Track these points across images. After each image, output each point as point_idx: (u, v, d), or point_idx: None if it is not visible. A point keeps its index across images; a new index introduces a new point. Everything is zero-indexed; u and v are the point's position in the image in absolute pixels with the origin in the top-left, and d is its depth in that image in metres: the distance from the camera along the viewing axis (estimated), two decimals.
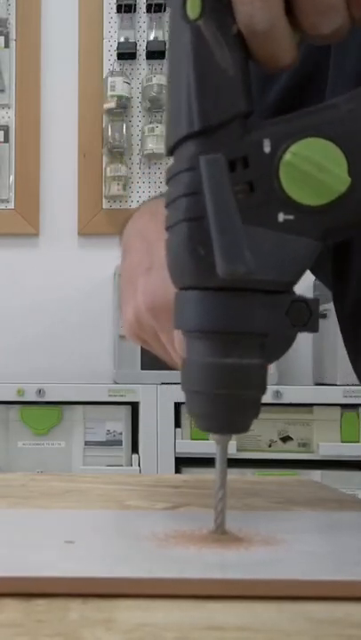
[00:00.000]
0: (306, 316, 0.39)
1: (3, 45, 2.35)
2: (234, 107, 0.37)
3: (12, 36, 2.36)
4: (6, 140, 2.33)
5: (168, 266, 0.41)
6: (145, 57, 2.38)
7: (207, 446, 1.80)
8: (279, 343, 0.40)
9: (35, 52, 2.35)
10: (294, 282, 0.39)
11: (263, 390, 0.40)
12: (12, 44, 2.36)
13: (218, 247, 0.36)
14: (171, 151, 0.40)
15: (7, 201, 2.31)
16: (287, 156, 0.37)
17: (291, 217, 0.37)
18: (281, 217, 0.37)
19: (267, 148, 0.37)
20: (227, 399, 0.39)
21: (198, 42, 0.37)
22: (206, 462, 1.77)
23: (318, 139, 0.37)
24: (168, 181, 0.41)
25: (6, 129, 2.33)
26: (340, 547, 0.40)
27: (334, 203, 0.37)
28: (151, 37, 2.38)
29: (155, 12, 2.37)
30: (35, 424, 1.89)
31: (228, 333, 0.39)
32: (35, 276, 2.29)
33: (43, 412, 1.89)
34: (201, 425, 0.42)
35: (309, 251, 0.38)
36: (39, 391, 1.86)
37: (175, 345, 0.58)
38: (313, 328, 0.39)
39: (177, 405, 1.83)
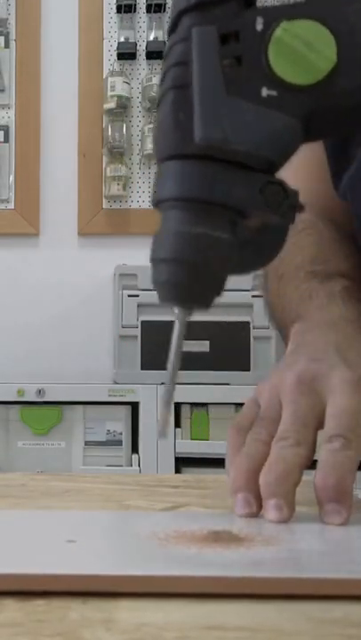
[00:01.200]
0: (281, 197, 0.38)
1: (3, 45, 2.35)
2: None
3: (12, 36, 2.36)
4: (6, 140, 2.33)
5: (154, 138, 0.42)
6: (145, 57, 2.38)
7: (207, 446, 1.80)
8: (260, 236, 0.40)
9: (35, 52, 2.35)
10: (272, 160, 0.38)
11: (228, 269, 0.40)
12: (12, 44, 2.36)
13: (198, 113, 0.37)
14: (172, 28, 0.41)
15: (7, 201, 2.31)
16: (278, 32, 0.38)
17: (274, 93, 0.38)
18: (265, 92, 0.38)
19: (259, 26, 0.38)
20: (190, 268, 0.39)
21: None
22: (206, 462, 1.77)
23: (310, 20, 0.38)
24: (165, 56, 0.42)
25: (6, 129, 2.33)
26: (340, 546, 0.40)
27: (319, 84, 0.38)
28: (151, 37, 2.38)
29: (155, 12, 2.37)
30: (35, 424, 1.89)
31: (200, 202, 0.39)
32: (35, 275, 2.29)
33: (43, 411, 1.89)
34: (163, 295, 0.42)
35: (289, 129, 0.38)
36: (39, 391, 1.86)
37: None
38: (287, 215, 0.39)
39: (177, 405, 1.83)
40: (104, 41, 2.38)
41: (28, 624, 0.29)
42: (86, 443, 1.90)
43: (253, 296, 1.92)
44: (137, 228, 2.24)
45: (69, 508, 0.55)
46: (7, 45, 2.36)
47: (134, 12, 2.38)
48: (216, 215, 0.39)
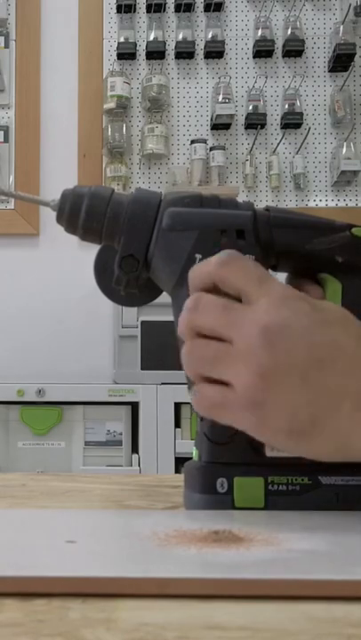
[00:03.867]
0: (133, 267, 0.52)
1: (3, 45, 2.35)
2: (281, 243, 0.52)
3: (12, 36, 2.36)
4: (6, 140, 2.33)
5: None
6: (145, 57, 2.38)
7: None
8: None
9: (35, 52, 2.35)
10: (147, 260, 0.53)
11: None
12: (12, 44, 2.36)
13: (183, 212, 0.52)
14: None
15: (7, 201, 2.31)
16: None
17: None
18: (198, 257, 0.52)
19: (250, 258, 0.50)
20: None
21: (333, 229, 0.52)
22: None
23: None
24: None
25: (6, 129, 2.33)
26: (340, 547, 0.40)
27: None
28: (151, 37, 2.38)
29: (155, 12, 2.37)
30: (35, 424, 1.89)
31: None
32: (35, 276, 2.29)
33: (43, 412, 1.89)
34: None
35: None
36: (39, 391, 1.86)
37: None
38: (129, 283, 0.53)
39: (177, 405, 1.83)
40: (104, 41, 2.38)
41: (28, 624, 0.29)
42: (86, 443, 1.90)
43: None
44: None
45: (70, 508, 0.55)
46: (7, 45, 2.36)
47: (134, 12, 2.38)
48: (122, 226, 0.53)
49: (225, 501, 0.50)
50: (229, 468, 0.50)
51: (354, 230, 0.52)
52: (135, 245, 0.52)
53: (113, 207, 0.53)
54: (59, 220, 0.55)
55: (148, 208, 0.52)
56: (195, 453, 0.53)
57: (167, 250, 0.51)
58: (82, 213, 0.53)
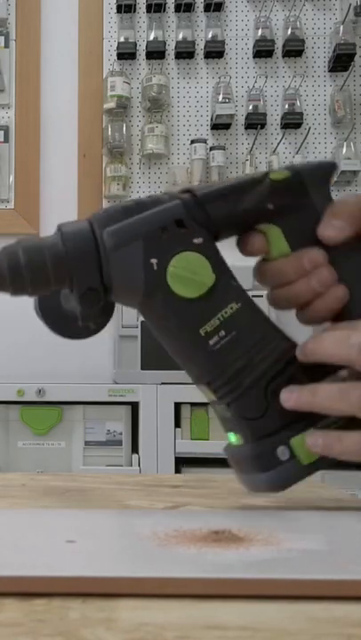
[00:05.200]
0: (92, 301, 0.52)
1: (3, 45, 2.35)
2: (217, 216, 0.53)
3: (12, 36, 2.36)
4: (6, 140, 2.33)
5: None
6: (145, 57, 2.38)
7: (207, 446, 1.80)
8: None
9: (35, 52, 2.35)
10: (111, 290, 0.52)
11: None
12: (12, 44, 2.36)
13: (118, 226, 0.51)
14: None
15: (7, 201, 2.31)
16: (184, 256, 0.51)
17: (155, 267, 0.51)
18: (152, 261, 0.51)
19: (197, 240, 0.52)
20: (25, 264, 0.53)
21: (256, 182, 0.54)
22: (206, 462, 1.77)
23: (211, 272, 0.52)
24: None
25: (6, 129, 2.33)
26: (340, 546, 0.40)
27: (165, 295, 0.51)
28: (151, 37, 2.38)
29: (155, 11, 2.37)
30: (35, 424, 1.89)
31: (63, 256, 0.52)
32: None
33: (43, 411, 1.89)
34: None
35: (134, 292, 0.52)
36: (39, 391, 1.86)
37: None
38: (90, 315, 0.53)
39: (177, 405, 1.83)
40: (104, 41, 2.38)
41: (28, 624, 0.29)
42: (86, 443, 1.89)
43: (254, 296, 1.91)
44: None
45: (70, 508, 0.55)
46: (7, 45, 2.36)
47: (134, 12, 2.38)
48: (63, 267, 0.52)
49: (292, 466, 0.51)
50: (281, 433, 0.51)
51: (271, 176, 0.54)
52: (89, 278, 0.51)
53: (50, 253, 0.51)
54: (2, 288, 0.53)
55: (83, 238, 0.51)
56: (235, 438, 0.54)
57: (122, 269, 0.51)
58: (25, 272, 0.52)
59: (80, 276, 0.51)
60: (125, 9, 2.35)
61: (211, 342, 0.52)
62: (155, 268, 0.51)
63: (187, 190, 0.54)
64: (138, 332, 1.94)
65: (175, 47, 2.37)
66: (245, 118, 2.38)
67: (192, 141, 2.35)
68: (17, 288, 0.52)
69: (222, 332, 0.52)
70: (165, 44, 2.38)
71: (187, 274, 0.51)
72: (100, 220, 0.52)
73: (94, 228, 0.52)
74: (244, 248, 0.55)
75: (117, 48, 2.35)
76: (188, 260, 0.51)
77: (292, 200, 0.54)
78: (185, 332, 0.52)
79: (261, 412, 0.52)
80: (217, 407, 0.54)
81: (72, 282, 0.52)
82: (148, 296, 0.52)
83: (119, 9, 2.36)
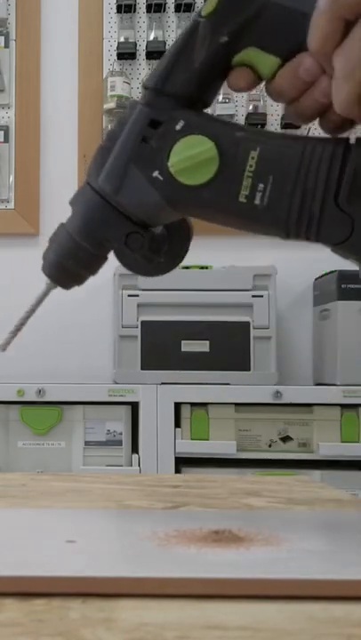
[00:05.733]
0: (139, 243, 0.52)
1: (3, 45, 2.35)
2: (185, 88, 0.50)
3: (12, 36, 2.36)
4: (6, 140, 2.33)
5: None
6: (145, 57, 2.38)
7: (207, 446, 1.80)
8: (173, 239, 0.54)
9: (35, 52, 2.35)
10: (142, 220, 0.51)
11: (88, 271, 0.57)
12: (12, 44, 2.36)
13: (106, 166, 0.51)
14: (143, 91, 0.52)
15: (7, 201, 2.31)
16: (184, 140, 0.49)
17: (160, 177, 0.50)
18: (155, 174, 0.50)
19: (178, 126, 0.49)
20: (62, 265, 0.56)
21: (191, 32, 0.49)
22: (206, 462, 1.77)
23: (210, 140, 0.49)
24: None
25: (6, 129, 2.33)
26: (340, 546, 0.40)
27: (189, 187, 0.49)
28: (151, 37, 2.38)
29: (155, 11, 2.37)
30: (35, 424, 1.89)
31: (84, 228, 0.53)
32: (35, 275, 2.29)
33: (43, 411, 1.89)
34: (44, 267, 0.58)
35: (158, 206, 0.50)
36: (39, 391, 1.86)
37: None
38: (147, 257, 0.53)
39: (177, 405, 1.83)
40: (104, 41, 2.38)
41: (28, 624, 0.29)
42: (86, 443, 1.89)
43: (253, 296, 1.92)
44: None
45: (70, 508, 0.55)
46: (7, 45, 2.36)
47: (134, 12, 2.37)
48: (92, 235, 0.53)
49: None
50: None
51: (203, 13, 0.49)
52: (114, 230, 0.52)
53: (72, 232, 0.53)
54: (65, 285, 0.58)
55: (88, 200, 0.52)
56: None
57: (135, 201, 0.50)
58: (68, 261, 0.55)
59: (108, 234, 0.52)
60: (125, 9, 2.35)
61: (257, 201, 0.48)
62: (160, 178, 0.49)
63: (145, 86, 0.52)
64: (138, 332, 1.94)
65: None
66: (245, 118, 2.37)
67: None
68: (73, 279, 0.57)
69: (260, 186, 0.48)
70: (165, 44, 2.38)
71: (189, 162, 0.49)
72: (92, 174, 0.52)
73: (93, 185, 0.52)
74: (234, 88, 0.51)
75: (117, 48, 2.35)
76: (181, 150, 0.49)
77: (241, 13, 0.48)
78: (229, 209, 0.49)
79: (348, 229, 0.48)
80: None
81: (108, 241, 0.53)
82: (174, 205, 0.50)
83: (119, 9, 2.36)
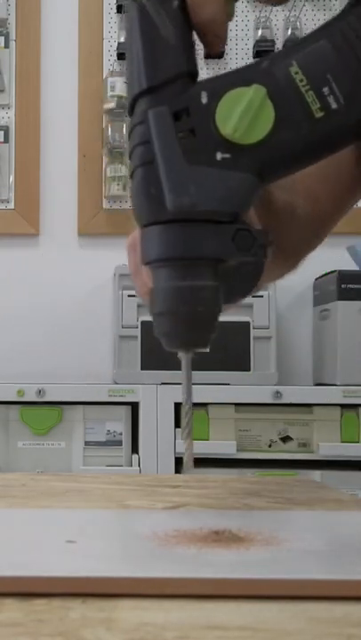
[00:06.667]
0: (250, 242, 0.45)
1: (3, 45, 2.35)
2: (175, 68, 0.45)
3: (12, 36, 2.36)
4: (6, 140, 2.33)
5: (133, 208, 0.47)
6: None
7: (207, 446, 1.80)
8: (239, 272, 0.46)
9: (35, 52, 2.35)
10: (237, 212, 0.45)
11: (218, 309, 0.47)
12: (12, 44, 2.36)
13: (166, 184, 0.43)
14: (130, 110, 0.47)
15: (7, 201, 2.31)
16: (221, 103, 0.44)
17: (227, 155, 0.44)
18: (219, 156, 0.44)
19: (204, 99, 0.44)
20: (184, 318, 0.46)
21: (143, 17, 0.45)
22: (206, 462, 1.77)
23: (245, 87, 0.44)
24: (129, 136, 0.47)
25: (6, 129, 2.33)
26: (340, 546, 0.40)
27: (263, 141, 0.44)
28: None
29: None
30: (35, 424, 1.89)
31: (183, 259, 0.45)
32: (35, 276, 2.29)
33: (43, 412, 1.89)
34: (166, 343, 0.48)
35: (245, 183, 0.44)
36: (39, 391, 1.86)
37: (145, 278, 0.57)
38: (257, 254, 0.45)
39: (177, 405, 1.83)
40: (104, 41, 2.38)
41: (28, 624, 0.29)
42: (86, 443, 1.89)
43: (254, 296, 1.91)
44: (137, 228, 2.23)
45: (70, 508, 0.55)
46: (7, 45, 2.36)
47: None
48: (197, 267, 0.45)
49: None
50: None
51: None
52: (217, 242, 0.45)
53: (178, 278, 0.46)
54: (205, 341, 0.48)
55: (169, 234, 0.46)
56: None
57: (213, 195, 0.44)
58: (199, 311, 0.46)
59: (217, 250, 0.45)
60: (125, 9, 2.35)
61: (333, 105, 0.44)
62: (228, 155, 0.44)
63: (138, 97, 0.46)
64: (138, 332, 1.94)
65: None
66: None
67: None
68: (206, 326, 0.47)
69: (325, 89, 0.44)
70: None
71: (246, 117, 0.43)
72: (151, 211, 0.45)
73: (161, 220, 0.45)
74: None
75: (117, 48, 2.35)
76: (226, 114, 0.43)
77: None
78: (314, 134, 0.44)
79: None
80: None
81: (219, 262, 0.46)
82: (263, 171, 0.44)
83: (119, 9, 2.36)
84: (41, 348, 2.26)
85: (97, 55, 2.37)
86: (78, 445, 1.89)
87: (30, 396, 1.86)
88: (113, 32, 2.38)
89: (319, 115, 0.44)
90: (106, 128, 2.33)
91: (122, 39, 2.36)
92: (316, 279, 2.09)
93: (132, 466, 1.86)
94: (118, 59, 2.37)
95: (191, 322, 0.46)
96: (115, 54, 2.37)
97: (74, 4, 2.36)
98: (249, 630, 0.29)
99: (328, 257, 1.94)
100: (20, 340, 2.26)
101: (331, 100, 0.44)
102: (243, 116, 0.43)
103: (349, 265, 1.93)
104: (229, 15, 0.47)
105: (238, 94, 0.44)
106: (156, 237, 0.46)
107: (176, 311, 0.46)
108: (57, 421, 1.89)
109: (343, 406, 1.83)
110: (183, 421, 0.47)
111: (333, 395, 1.82)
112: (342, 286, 1.88)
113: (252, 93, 0.43)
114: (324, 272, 1.99)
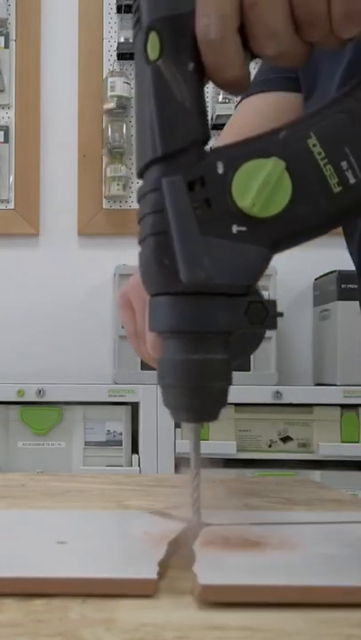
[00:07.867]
0: (262, 315, 0.44)
1: (3, 45, 2.35)
2: (191, 135, 0.43)
3: (12, 36, 2.36)
4: (6, 140, 2.33)
5: (141, 275, 0.46)
6: None
7: (207, 446, 1.80)
8: (245, 341, 0.47)
9: (35, 52, 2.35)
10: (250, 285, 0.43)
11: (229, 382, 0.45)
12: (12, 44, 2.36)
13: (180, 256, 0.42)
14: (140, 174, 0.46)
15: (7, 201, 2.31)
16: (237, 174, 0.42)
17: (243, 228, 0.42)
18: (235, 228, 0.42)
19: (220, 169, 0.42)
20: (196, 391, 0.45)
21: (158, 80, 0.43)
22: (206, 462, 1.77)
23: (262, 158, 0.42)
24: (139, 201, 0.46)
25: (6, 129, 2.33)
26: (346, 550, 0.40)
27: (280, 214, 0.42)
28: None
29: None
30: (35, 424, 1.89)
31: (195, 333, 0.44)
32: (35, 275, 2.29)
33: (43, 412, 1.89)
34: (176, 416, 0.47)
35: (261, 257, 0.43)
36: (39, 391, 1.86)
37: (148, 345, 0.60)
38: (270, 326, 0.44)
39: None
40: (104, 41, 2.38)
41: (28, 624, 0.29)
42: (86, 443, 1.89)
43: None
44: (137, 228, 2.23)
45: (69, 509, 0.55)
46: (7, 45, 2.36)
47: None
48: (209, 340, 0.44)
49: None
50: None
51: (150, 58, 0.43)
52: (232, 316, 0.44)
53: (191, 353, 0.45)
54: (214, 414, 0.47)
55: (180, 307, 0.44)
56: None
57: (227, 269, 0.43)
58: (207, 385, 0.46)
59: (231, 323, 0.44)
60: (125, 9, 2.35)
61: (352, 180, 0.43)
62: (244, 229, 0.42)
63: (151, 163, 0.45)
64: None
65: None
66: None
67: None
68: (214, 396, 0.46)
69: (343, 163, 0.42)
70: None
71: (265, 191, 0.42)
72: (162, 282, 0.44)
73: (174, 291, 0.44)
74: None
75: (117, 48, 2.35)
76: (244, 186, 0.42)
77: (185, 32, 0.43)
78: (331, 208, 0.43)
79: None
80: None
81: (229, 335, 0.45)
82: (277, 244, 0.43)
83: (119, 9, 2.36)
84: (41, 348, 2.26)
85: (97, 55, 2.37)
86: (78, 445, 1.89)
87: (30, 396, 1.86)
88: (113, 32, 2.38)
89: (337, 190, 0.43)
90: (106, 128, 2.33)
91: (122, 39, 2.36)
92: (316, 279, 2.09)
93: (131, 466, 1.86)
94: (118, 59, 2.37)
95: (202, 396, 0.45)
96: (115, 54, 2.37)
97: (74, 3, 2.36)
98: (248, 630, 0.29)
99: (328, 257, 1.94)
100: (19, 340, 2.26)
101: (349, 174, 0.43)
102: (261, 189, 0.42)
103: (349, 265, 1.92)
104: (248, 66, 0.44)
105: (256, 166, 0.42)
106: (168, 308, 0.44)
107: (186, 385, 0.45)
108: (57, 421, 1.89)
109: (343, 406, 1.83)
110: (192, 486, 0.45)
111: (333, 395, 1.82)
112: (342, 286, 1.88)
113: (271, 167, 0.42)
114: (324, 272, 1.99)
